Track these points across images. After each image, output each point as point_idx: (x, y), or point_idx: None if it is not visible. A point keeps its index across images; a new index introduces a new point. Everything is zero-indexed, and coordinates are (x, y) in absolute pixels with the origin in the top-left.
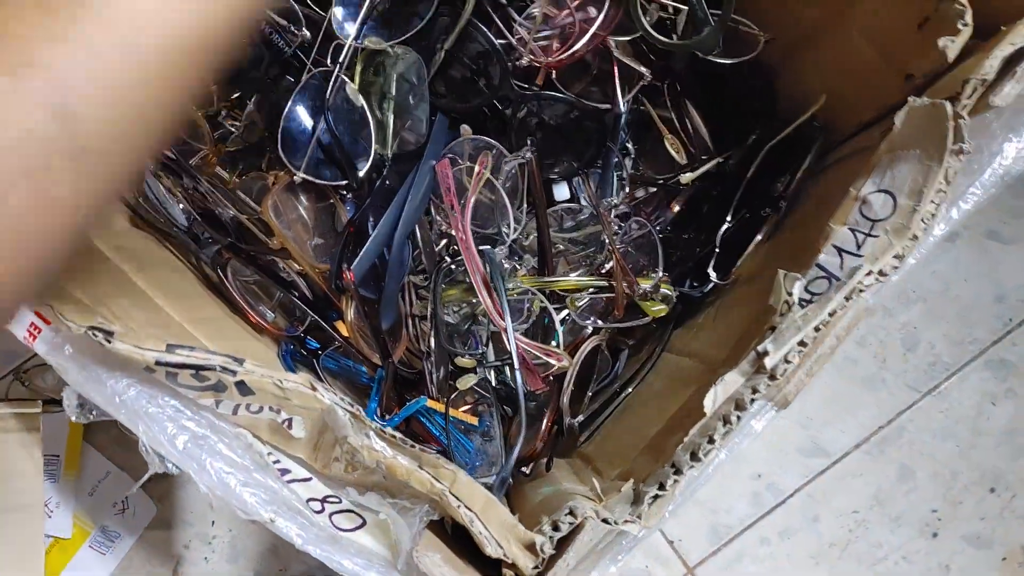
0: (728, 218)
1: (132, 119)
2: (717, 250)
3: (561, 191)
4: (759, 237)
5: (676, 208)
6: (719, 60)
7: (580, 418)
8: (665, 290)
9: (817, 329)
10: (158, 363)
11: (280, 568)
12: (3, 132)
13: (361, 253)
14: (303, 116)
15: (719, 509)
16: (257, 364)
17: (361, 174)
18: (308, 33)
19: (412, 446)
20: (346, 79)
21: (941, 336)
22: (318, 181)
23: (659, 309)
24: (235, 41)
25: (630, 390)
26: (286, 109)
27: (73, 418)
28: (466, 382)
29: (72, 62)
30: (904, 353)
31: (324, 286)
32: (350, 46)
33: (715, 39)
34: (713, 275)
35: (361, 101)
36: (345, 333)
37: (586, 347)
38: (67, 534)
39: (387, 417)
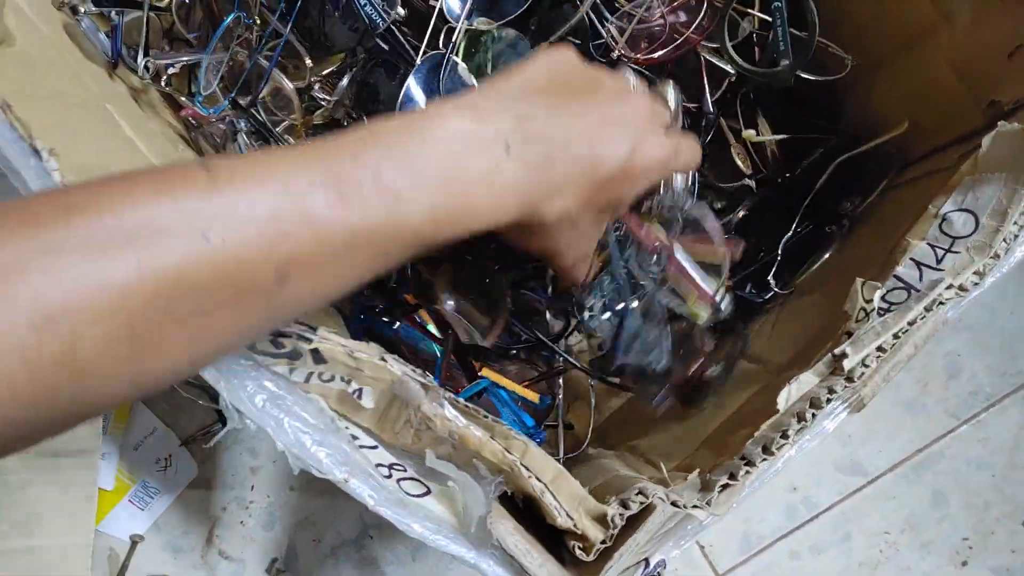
0: (793, 228)
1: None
2: (779, 258)
3: None
4: (827, 255)
5: (741, 214)
6: (802, 75)
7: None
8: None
9: (896, 336)
10: None
11: (314, 539)
12: None
13: None
14: (418, 98)
15: (752, 518)
16: (331, 331)
17: None
18: (403, 10)
19: (485, 416)
20: (457, 60)
21: (984, 366)
22: None
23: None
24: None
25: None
26: (401, 94)
27: None
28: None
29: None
30: (946, 380)
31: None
32: (462, 27)
33: (788, 77)
34: (773, 283)
35: (474, 80)
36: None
37: None
38: (110, 486)
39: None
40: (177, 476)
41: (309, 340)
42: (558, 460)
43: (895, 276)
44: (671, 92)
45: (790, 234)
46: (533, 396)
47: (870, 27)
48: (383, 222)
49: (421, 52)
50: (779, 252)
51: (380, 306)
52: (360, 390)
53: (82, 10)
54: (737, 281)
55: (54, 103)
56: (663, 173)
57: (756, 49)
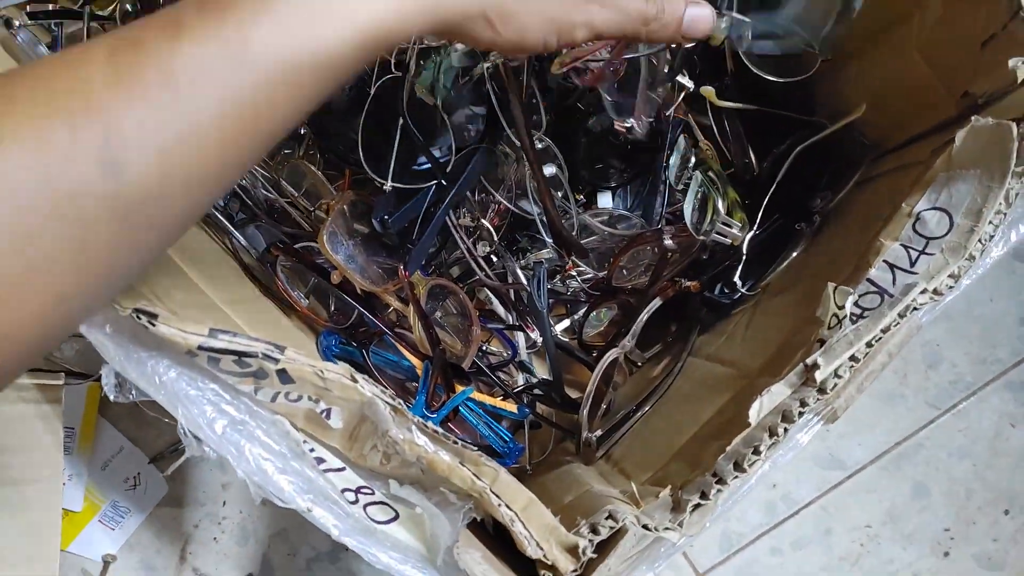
0: (755, 227)
1: (183, 183)
2: (744, 257)
3: (604, 199)
4: (795, 253)
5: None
6: (771, 78)
7: (598, 433)
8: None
9: (870, 345)
10: (200, 348)
11: (289, 552)
12: (50, 185)
13: (417, 247)
14: (378, 124)
15: (732, 516)
16: (299, 353)
17: (448, 170)
18: None
19: (454, 442)
20: (414, 81)
21: (963, 355)
22: (408, 187)
23: None
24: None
25: (653, 401)
26: (362, 122)
27: (112, 397)
28: None
29: (131, 118)
30: (926, 370)
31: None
32: (414, 48)
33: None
34: (740, 284)
35: (433, 99)
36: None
37: (605, 361)
38: (78, 507)
39: (434, 407)
40: (147, 494)
41: (276, 360)
42: (528, 467)
43: (868, 280)
44: None
45: (754, 231)
46: (512, 407)
47: None
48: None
49: (374, 75)
50: (743, 252)
51: (349, 329)
52: (328, 410)
53: (16, 23)
54: (706, 281)
55: None
56: None
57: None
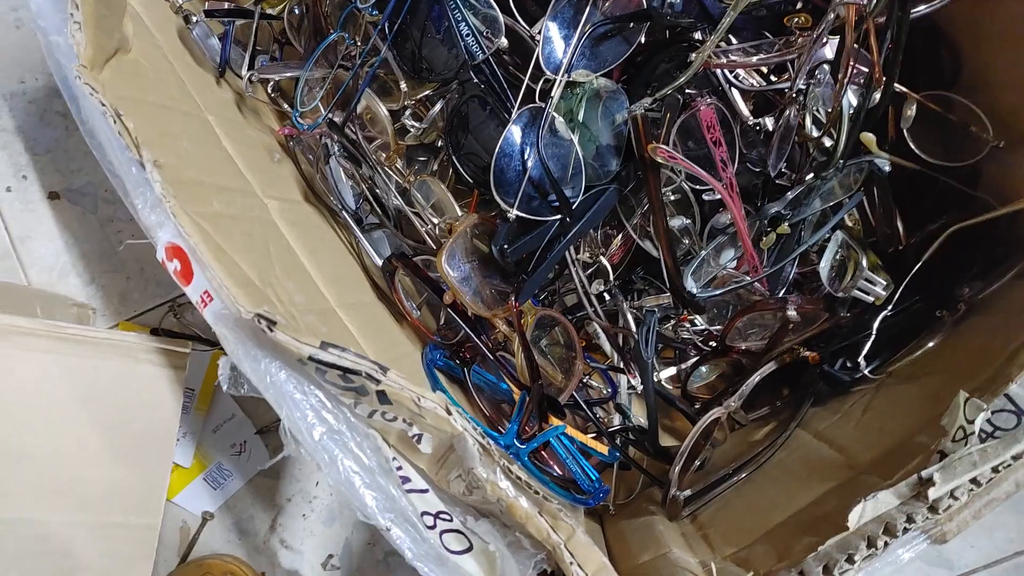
0: (890, 306)
1: None
2: (873, 337)
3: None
4: (931, 343)
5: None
6: (934, 160)
7: (688, 492)
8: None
9: (996, 470)
10: (311, 358)
11: (369, 542)
12: None
13: (531, 279)
14: (512, 154)
15: None
16: (400, 375)
17: (575, 206)
18: (506, 41)
19: (536, 492)
20: (556, 115)
21: None
22: (533, 218)
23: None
24: None
25: (751, 468)
26: (498, 147)
27: (224, 387)
28: None
29: None
30: None
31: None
32: (561, 80)
33: None
34: (863, 365)
35: (571, 135)
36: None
37: (707, 418)
38: (188, 463)
39: (525, 438)
40: (250, 462)
41: (377, 381)
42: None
43: (1006, 395)
44: None
45: (888, 311)
46: (603, 448)
47: (1019, 101)
48: None
49: (517, 103)
50: (872, 330)
51: (455, 346)
52: (420, 435)
53: (195, 19)
54: (827, 354)
55: (161, 113)
56: None
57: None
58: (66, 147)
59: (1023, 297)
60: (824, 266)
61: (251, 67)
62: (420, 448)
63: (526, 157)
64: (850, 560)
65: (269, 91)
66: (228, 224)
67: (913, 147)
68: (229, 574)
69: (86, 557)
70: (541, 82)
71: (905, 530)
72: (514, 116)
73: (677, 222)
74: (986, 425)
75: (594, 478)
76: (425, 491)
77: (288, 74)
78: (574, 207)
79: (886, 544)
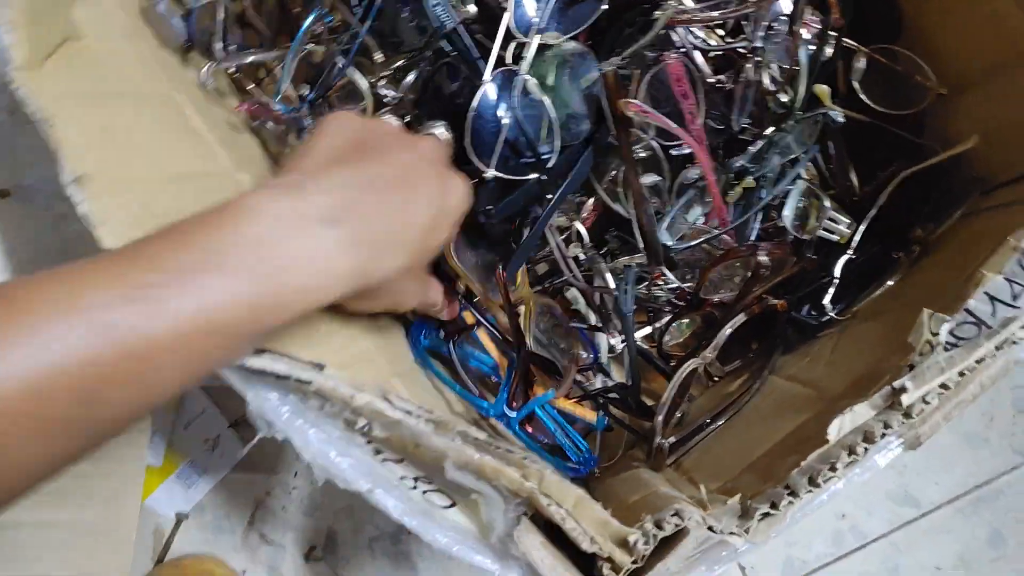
0: (850, 250)
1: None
2: (836, 281)
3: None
4: (890, 282)
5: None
6: (883, 109)
7: (672, 439)
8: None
9: (962, 374)
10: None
11: (353, 529)
12: None
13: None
14: (487, 115)
15: (797, 543)
16: (335, 373)
17: (550, 166)
18: (474, 8)
19: (496, 448)
20: (528, 78)
21: None
22: (511, 177)
23: None
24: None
25: (730, 414)
26: (472, 111)
27: None
28: None
29: None
30: (1014, 415)
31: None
32: (533, 41)
33: None
34: (830, 308)
35: (543, 96)
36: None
37: (686, 368)
38: (158, 463)
39: (514, 407)
40: (224, 457)
41: (309, 382)
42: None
43: (966, 310)
44: (442, 130)
45: (848, 256)
46: (591, 415)
47: (956, 52)
48: (191, 321)
49: (491, 66)
50: (835, 275)
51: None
52: (369, 423)
53: None
54: (794, 301)
55: (110, 103)
56: (465, 206)
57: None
58: (13, 144)
59: (971, 234)
60: (788, 214)
61: (224, 45)
62: (375, 433)
63: (501, 118)
64: (833, 468)
65: (231, 72)
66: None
67: (864, 98)
68: (206, 574)
69: (58, 562)
70: (513, 46)
71: (882, 435)
72: (487, 78)
73: (648, 179)
74: (950, 337)
75: (583, 448)
76: (400, 460)
77: (255, 58)
78: (551, 167)
79: (866, 450)
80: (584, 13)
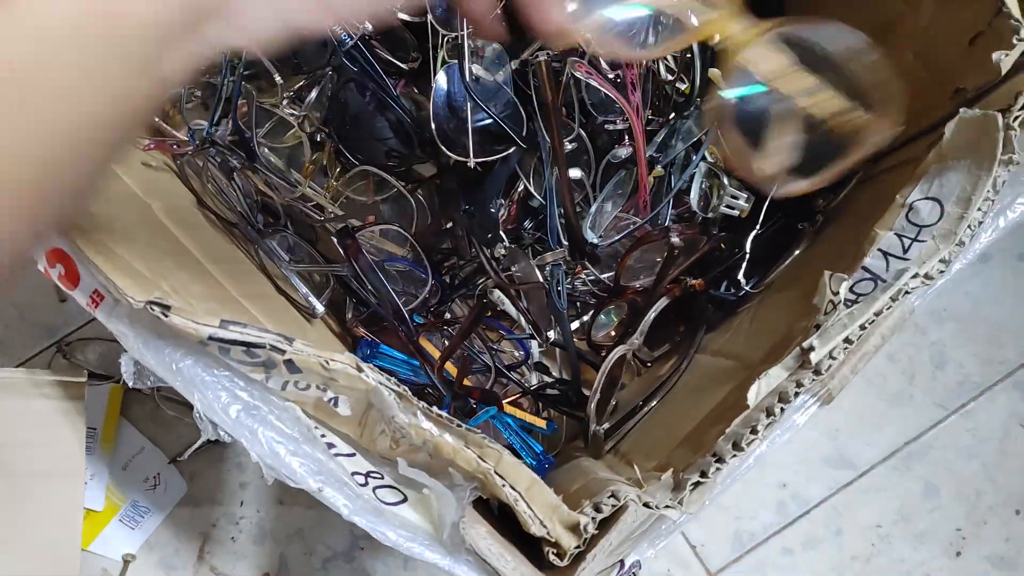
0: (758, 226)
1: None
2: (747, 255)
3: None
4: (798, 252)
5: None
6: None
7: (606, 425)
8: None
9: (863, 327)
10: (211, 338)
11: (305, 552)
12: None
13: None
14: (443, 109)
15: (743, 515)
16: (306, 344)
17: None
18: (371, 25)
19: (458, 425)
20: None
21: (970, 355)
22: (491, 158)
23: None
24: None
25: (661, 395)
26: (432, 105)
27: (130, 384)
28: None
29: None
30: (933, 371)
31: None
32: (464, 34)
33: None
34: (744, 282)
35: (493, 76)
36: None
37: (614, 355)
38: (99, 506)
39: None
40: (167, 494)
41: (283, 351)
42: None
43: (863, 267)
44: None
45: (757, 231)
46: (540, 423)
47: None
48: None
49: (437, 62)
50: (746, 249)
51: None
52: (336, 398)
53: None
54: (711, 279)
55: None
56: None
57: None
58: None
59: (867, 198)
60: (694, 196)
61: None
62: (339, 412)
63: (459, 109)
64: (754, 431)
65: None
66: (108, 221)
67: None
68: None
69: None
70: (444, 41)
71: (796, 394)
72: (440, 78)
73: (574, 173)
74: (849, 294)
75: (538, 451)
76: (352, 455)
77: None
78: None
79: (782, 410)
80: None
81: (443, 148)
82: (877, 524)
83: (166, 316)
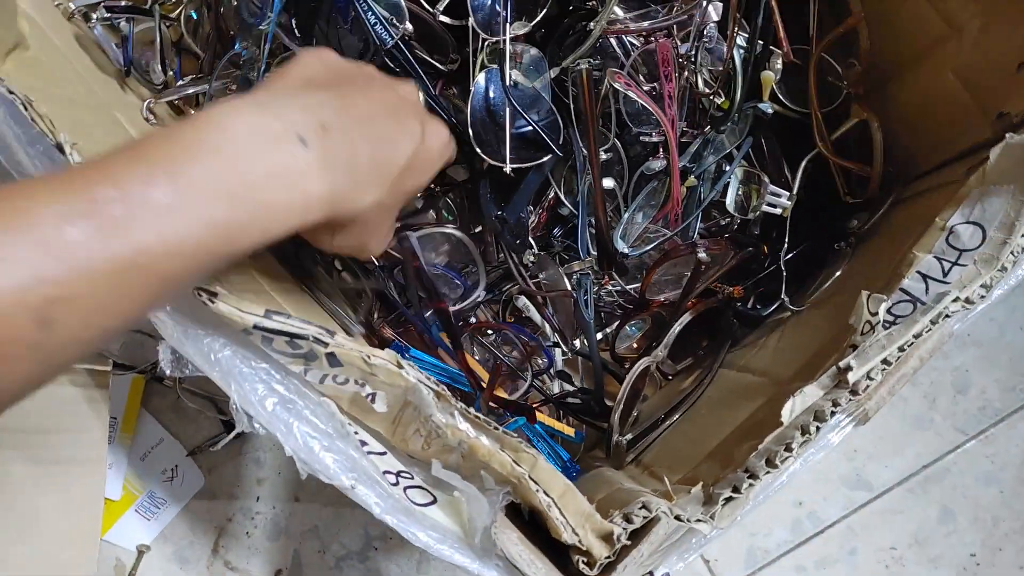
0: (786, 243)
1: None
2: (785, 273)
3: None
4: (838, 273)
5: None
6: (799, 110)
7: (628, 436)
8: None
9: (902, 349)
10: (256, 327)
11: (319, 550)
12: None
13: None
14: (482, 113)
15: (758, 532)
16: (347, 338)
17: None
18: (411, 27)
19: (495, 428)
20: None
21: (993, 381)
22: (527, 165)
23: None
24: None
25: (684, 408)
26: (470, 109)
27: (168, 372)
28: None
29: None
30: (954, 395)
31: None
32: (507, 38)
33: None
34: (787, 300)
35: (531, 83)
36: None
37: (639, 367)
38: (116, 496)
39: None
40: (184, 486)
41: (325, 344)
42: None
43: (901, 289)
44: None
45: (786, 249)
46: (569, 431)
47: (878, 42)
48: (154, 243)
49: (476, 66)
50: (781, 266)
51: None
52: (374, 394)
53: (94, 17)
54: (748, 290)
55: (70, 105)
56: (448, 154)
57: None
58: None
59: (902, 220)
60: (730, 200)
61: (163, 71)
62: (375, 408)
63: (497, 114)
64: (788, 449)
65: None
66: None
67: (780, 96)
68: None
69: None
70: (485, 45)
71: (832, 413)
72: (479, 78)
73: (607, 183)
74: (887, 316)
75: (566, 459)
76: (383, 453)
77: (192, 90)
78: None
79: (817, 429)
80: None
81: (480, 153)
82: (892, 546)
83: (212, 302)
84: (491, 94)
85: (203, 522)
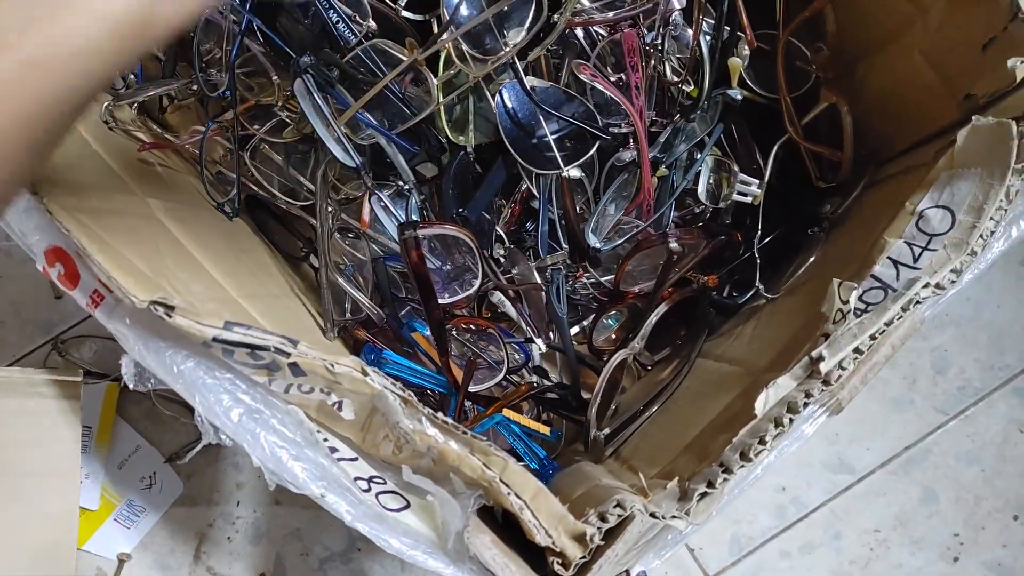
0: (759, 230)
1: None
2: (760, 261)
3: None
4: (812, 258)
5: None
6: (769, 95)
7: (607, 430)
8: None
9: (873, 337)
10: (215, 340)
11: (302, 553)
12: None
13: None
14: (513, 130)
15: (742, 519)
16: (310, 346)
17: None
18: (374, 24)
19: (464, 432)
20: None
21: (972, 361)
22: (581, 161)
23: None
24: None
25: (662, 400)
26: (503, 134)
27: (131, 385)
28: None
29: None
30: (934, 376)
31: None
32: (515, 47)
33: None
34: (762, 288)
35: (547, 83)
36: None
37: (615, 359)
38: (95, 505)
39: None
40: (163, 494)
41: (288, 354)
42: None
43: (872, 276)
44: None
45: (760, 236)
46: (545, 429)
47: (846, 26)
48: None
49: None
50: (755, 253)
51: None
52: (340, 402)
53: None
54: (723, 278)
55: None
56: None
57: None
58: None
59: (873, 203)
60: (702, 189)
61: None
62: (342, 415)
63: (526, 124)
64: (762, 442)
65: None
66: (110, 219)
67: (749, 82)
68: None
69: None
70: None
71: (805, 405)
72: (497, 101)
73: (576, 172)
74: (859, 303)
75: (542, 456)
76: (355, 459)
77: (152, 92)
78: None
79: (791, 421)
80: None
81: (536, 171)
82: (875, 529)
83: (170, 316)
84: (513, 107)
85: (184, 529)
